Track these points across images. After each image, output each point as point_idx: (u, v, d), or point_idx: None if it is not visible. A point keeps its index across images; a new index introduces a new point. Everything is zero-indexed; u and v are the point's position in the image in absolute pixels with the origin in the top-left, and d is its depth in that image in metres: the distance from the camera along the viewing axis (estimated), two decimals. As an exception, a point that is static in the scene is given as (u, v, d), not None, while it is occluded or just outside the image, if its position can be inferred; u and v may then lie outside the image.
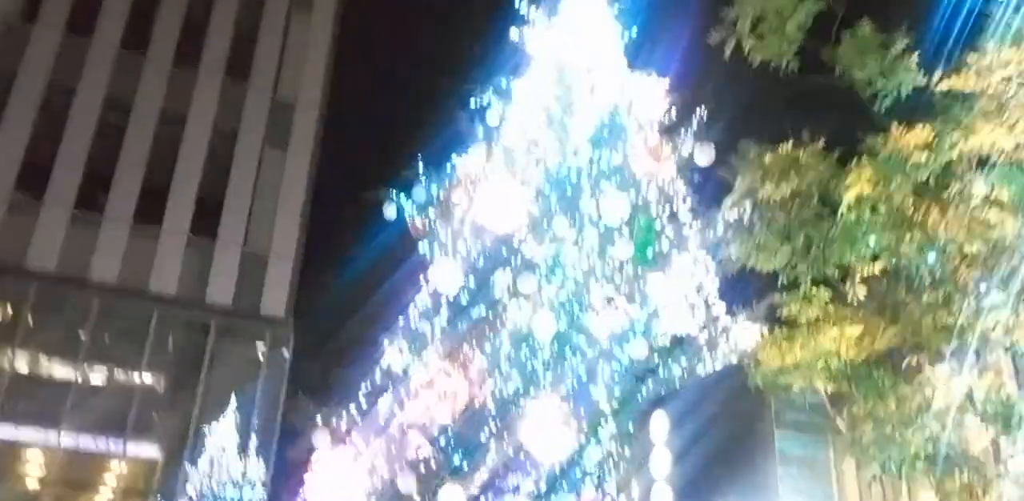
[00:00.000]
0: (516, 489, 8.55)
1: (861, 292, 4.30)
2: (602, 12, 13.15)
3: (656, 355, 9.11)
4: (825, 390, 4.38)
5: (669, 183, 10.93)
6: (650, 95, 11.82)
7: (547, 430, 8.34)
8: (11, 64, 20.07)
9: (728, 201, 5.87)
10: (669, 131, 11.86)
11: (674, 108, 11.96)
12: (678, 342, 9.20)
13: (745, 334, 7.42)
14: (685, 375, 8.73)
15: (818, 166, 5.27)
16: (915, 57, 4.83)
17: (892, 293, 4.28)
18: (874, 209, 4.42)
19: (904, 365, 4.19)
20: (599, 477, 8.10)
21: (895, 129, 4.59)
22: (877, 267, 4.41)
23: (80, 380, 19.11)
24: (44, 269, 18.72)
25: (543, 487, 8.34)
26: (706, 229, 9.30)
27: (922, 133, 4.48)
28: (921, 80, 4.80)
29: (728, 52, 8.76)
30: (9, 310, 19.38)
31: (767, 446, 4.95)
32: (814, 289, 4.72)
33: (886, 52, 4.78)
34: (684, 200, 10.29)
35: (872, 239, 4.40)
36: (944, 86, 4.51)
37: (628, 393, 8.77)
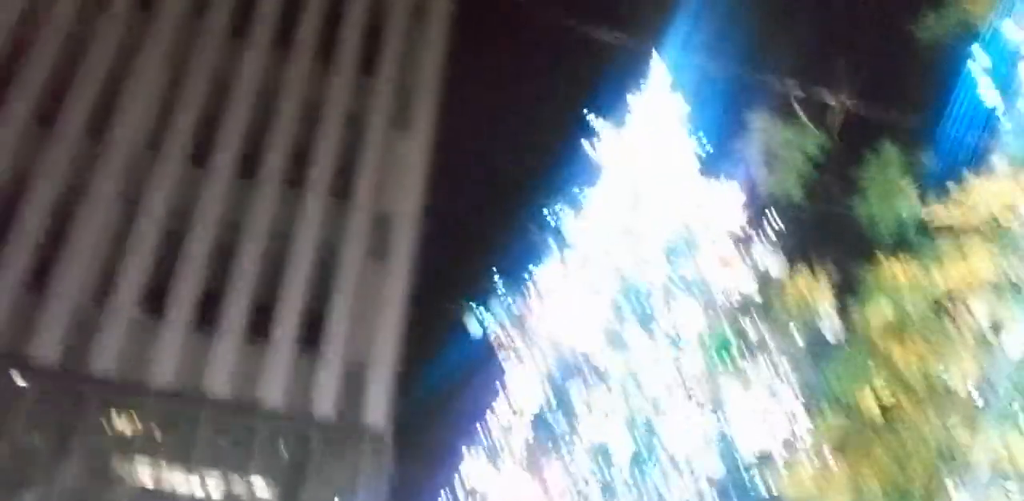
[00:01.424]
0: None
1: (879, 417, 4.36)
2: (674, 121, 13.54)
3: (736, 472, 8.99)
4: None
5: (742, 293, 10.98)
6: (724, 204, 12.00)
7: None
8: (136, 193, 21.78)
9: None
10: (743, 241, 11.97)
11: (746, 218, 12.09)
12: (763, 459, 9.03)
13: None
14: (768, 493, 8.52)
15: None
16: (913, 186, 5.00)
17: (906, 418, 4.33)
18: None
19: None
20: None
21: (885, 263, 4.75)
22: (886, 395, 4.49)
23: (190, 491, 19.82)
24: (164, 385, 19.76)
25: None
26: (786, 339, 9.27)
27: (905, 266, 4.64)
28: (920, 212, 4.96)
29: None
30: (130, 426, 20.51)
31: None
32: (831, 415, 4.79)
33: (890, 183, 4.97)
34: (756, 312, 10.28)
35: (873, 371, 4.52)
36: (935, 219, 4.68)
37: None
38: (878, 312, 4.56)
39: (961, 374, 4.21)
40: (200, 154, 22.80)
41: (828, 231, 7.92)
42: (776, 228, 9.89)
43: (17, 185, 20.85)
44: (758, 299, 7.39)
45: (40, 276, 20.20)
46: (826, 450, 4.49)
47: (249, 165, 23.15)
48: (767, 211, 10.18)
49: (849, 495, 4.32)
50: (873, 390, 4.47)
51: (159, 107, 23.18)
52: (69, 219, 21.02)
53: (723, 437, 8.47)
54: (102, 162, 21.89)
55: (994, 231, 4.21)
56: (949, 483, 4.05)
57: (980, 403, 4.23)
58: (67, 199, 21.18)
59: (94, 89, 22.67)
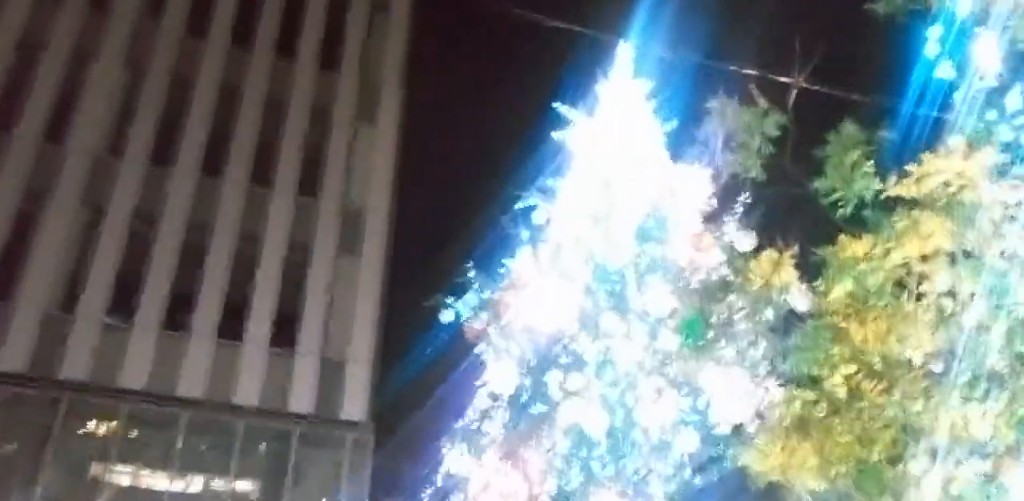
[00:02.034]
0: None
1: (841, 392, 4.45)
2: (641, 107, 13.63)
3: (713, 446, 9.14)
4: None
5: (713, 271, 11.12)
6: (692, 186, 12.13)
7: (607, 528, 8.42)
8: (99, 196, 21.58)
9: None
10: (712, 219, 12.11)
11: (715, 198, 12.22)
12: (736, 431, 9.19)
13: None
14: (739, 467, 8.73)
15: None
16: (871, 164, 5.09)
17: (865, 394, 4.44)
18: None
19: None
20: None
21: (843, 240, 4.86)
22: (847, 370, 4.59)
23: (174, 492, 19.82)
24: (134, 387, 19.68)
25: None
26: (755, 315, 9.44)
27: (862, 244, 4.74)
28: (877, 186, 5.06)
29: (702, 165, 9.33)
30: (105, 427, 20.42)
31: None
32: (795, 390, 4.89)
33: (845, 158, 5.07)
34: (729, 289, 10.36)
35: (835, 349, 4.62)
36: (892, 193, 4.78)
37: (685, 487, 8.81)
38: (838, 290, 4.66)
39: (919, 347, 4.31)
40: (163, 155, 22.60)
41: (791, 212, 8.08)
42: (743, 207, 10.02)
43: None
44: (729, 275, 7.51)
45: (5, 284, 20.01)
46: (790, 424, 4.58)
47: (214, 164, 22.99)
48: (734, 191, 10.29)
49: (811, 468, 4.42)
50: (833, 366, 4.57)
51: (119, 109, 22.95)
52: (32, 225, 20.82)
53: (698, 413, 8.59)
54: (64, 166, 21.67)
55: (949, 203, 4.31)
56: (909, 453, 4.16)
57: (937, 375, 4.34)
58: (29, 205, 20.95)
59: (51, 92, 22.39)
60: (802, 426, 4.42)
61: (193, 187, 22.41)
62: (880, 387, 4.35)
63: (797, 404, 4.54)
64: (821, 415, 4.39)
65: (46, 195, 21.20)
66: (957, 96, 4.88)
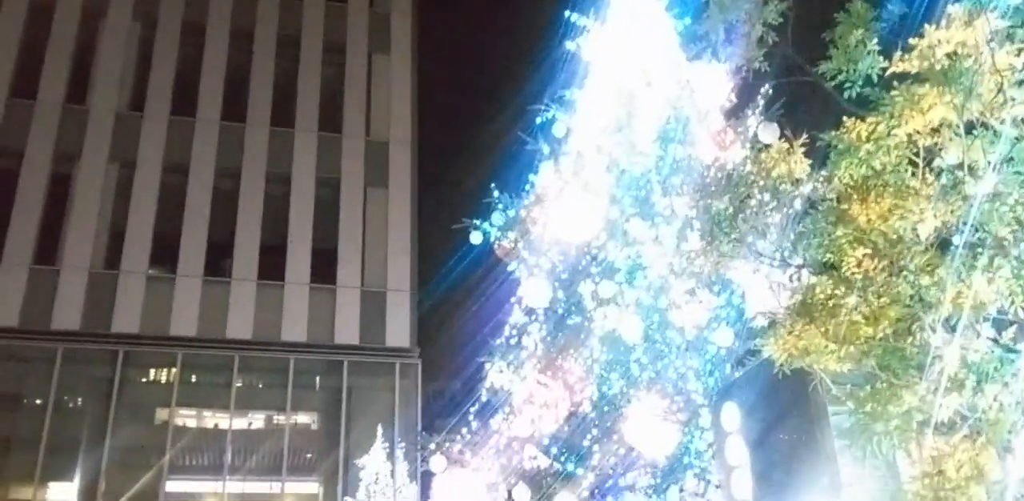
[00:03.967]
0: (631, 487, 8.79)
1: (858, 275, 4.38)
2: (651, 9, 13.26)
3: (750, 340, 9.17)
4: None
5: (739, 167, 10.94)
6: (710, 83, 11.87)
7: (650, 427, 8.56)
8: (128, 153, 21.77)
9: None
10: (734, 114, 11.87)
11: (734, 92, 11.96)
12: (772, 324, 9.19)
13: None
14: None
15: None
16: (874, 41, 4.88)
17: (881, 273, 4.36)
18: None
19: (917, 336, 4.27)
20: (702, 468, 8.25)
21: (848, 122, 4.69)
22: (856, 252, 4.50)
23: (236, 430, 20.55)
24: (186, 334, 20.21)
25: (655, 482, 8.55)
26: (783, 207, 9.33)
27: (866, 125, 4.58)
28: (882, 64, 4.86)
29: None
30: (164, 374, 21.13)
31: (823, 420, 5.04)
32: (812, 276, 4.82)
33: (850, 38, 4.85)
34: (754, 185, 10.22)
35: (839, 231, 4.53)
36: (897, 69, 4.59)
37: (725, 382, 8.87)
38: (845, 174, 4.54)
39: (922, 222, 4.21)
40: (184, 106, 22.64)
41: (799, 102, 7.85)
42: (764, 98, 9.81)
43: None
44: (751, 169, 7.36)
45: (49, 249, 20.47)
46: (795, 309, 4.53)
47: (235, 109, 22.98)
48: (747, 86, 10.05)
49: (823, 351, 4.40)
50: (839, 249, 4.49)
51: (135, 63, 22.91)
52: (67, 187, 21.16)
53: (733, 307, 8.58)
54: (88, 126, 21.85)
55: (952, 73, 4.13)
56: (919, 327, 4.10)
57: (942, 248, 4.25)
58: (61, 168, 21.26)
59: (66, 54, 22.42)
60: (806, 310, 4.37)
61: (217, 134, 22.47)
62: (883, 264, 4.27)
63: (816, 290, 4.47)
64: (824, 298, 4.33)
65: (76, 156, 21.44)
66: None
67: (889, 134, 4.45)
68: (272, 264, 21.36)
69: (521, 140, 13.37)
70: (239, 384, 20.81)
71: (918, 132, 4.48)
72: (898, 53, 4.62)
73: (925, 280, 4.10)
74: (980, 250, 4.02)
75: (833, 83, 5.14)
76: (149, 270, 20.82)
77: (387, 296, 21.78)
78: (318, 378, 22.04)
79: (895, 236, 4.28)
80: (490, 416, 10.01)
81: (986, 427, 3.86)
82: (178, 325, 20.20)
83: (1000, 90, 4.21)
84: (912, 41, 4.52)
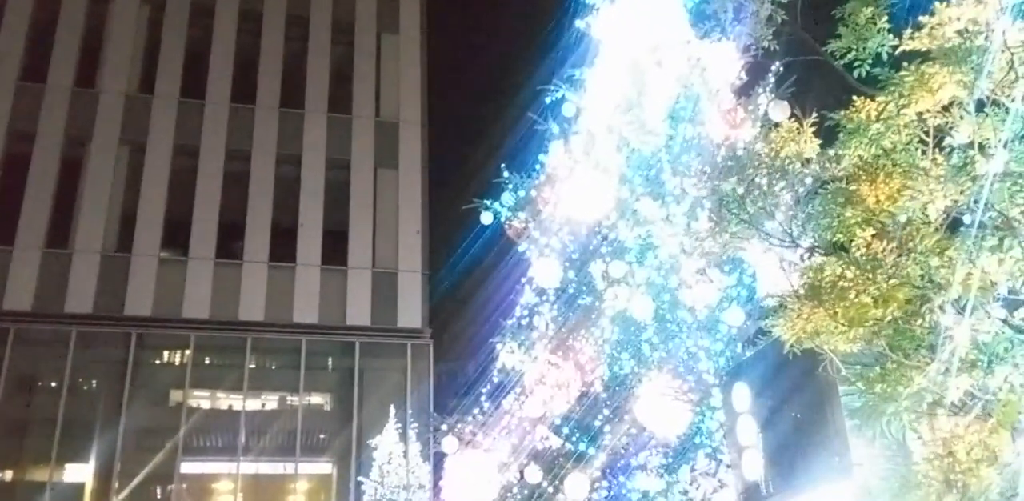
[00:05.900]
0: (643, 467, 8.82)
1: (866, 256, 4.34)
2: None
3: (761, 320, 9.14)
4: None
5: (749, 145, 10.86)
6: (720, 61, 11.75)
7: (661, 407, 8.57)
8: (138, 135, 21.79)
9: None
10: (744, 93, 11.76)
11: (744, 71, 11.83)
12: (783, 303, 9.15)
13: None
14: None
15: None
16: (884, 19, 4.80)
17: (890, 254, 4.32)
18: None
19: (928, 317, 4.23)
20: (713, 448, 8.27)
21: (857, 102, 4.62)
22: (865, 233, 4.46)
23: (249, 411, 20.73)
24: (198, 316, 20.31)
25: (667, 462, 8.58)
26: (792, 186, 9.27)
27: (875, 104, 4.51)
28: (892, 42, 4.78)
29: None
30: (177, 356, 21.30)
31: (833, 400, 5.03)
32: (820, 257, 4.77)
33: (860, 15, 4.78)
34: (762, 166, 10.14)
35: (847, 212, 4.49)
36: (907, 48, 4.52)
37: (735, 361, 8.86)
38: (855, 154, 4.49)
39: (932, 202, 4.16)
40: (193, 88, 22.62)
41: (807, 80, 7.76)
42: (775, 76, 9.71)
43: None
44: (762, 148, 7.28)
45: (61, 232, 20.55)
46: (803, 291, 4.49)
47: (244, 91, 22.94)
48: (757, 64, 9.96)
49: (833, 332, 4.36)
50: (848, 230, 4.45)
51: (144, 45, 22.89)
52: (78, 170, 21.22)
53: (745, 287, 8.53)
54: (98, 109, 21.86)
55: (963, 51, 4.06)
56: (929, 308, 4.06)
57: (951, 229, 4.21)
58: (72, 152, 21.31)
59: (75, 37, 22.40)
60: (814, 293, 4.33)
61: (227, 116, 22.46)
62: (893, 245, 4.23)
63: (826, 271, 4.43)
64: (833, 280, 4.29)
65: (87, 140, 21.47)
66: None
67: (899, 113, 4.39)
68: (283, 246, 21.41)
69: (531, 120, 13.28)
70: (252, 365, 20.97)
71: (928, 111, 4.43)
72: (908, 31, 4.55)
73: (935, 261, 4.06)
74: (990, 231, 3.97)
75: (842, 62, 5.08)
76: (161, 253, 20.93)
77: (398, 277, 21.82)
78: (330, 359, 22.18)
79: (904, 217, 4.23)
80: (502, 397, 10.03)
81: (997, 408, 3.84)
82: (191, 307, 20.31)
83: (1011, 67, 4.15)
84: (922, 19, 4.45)
